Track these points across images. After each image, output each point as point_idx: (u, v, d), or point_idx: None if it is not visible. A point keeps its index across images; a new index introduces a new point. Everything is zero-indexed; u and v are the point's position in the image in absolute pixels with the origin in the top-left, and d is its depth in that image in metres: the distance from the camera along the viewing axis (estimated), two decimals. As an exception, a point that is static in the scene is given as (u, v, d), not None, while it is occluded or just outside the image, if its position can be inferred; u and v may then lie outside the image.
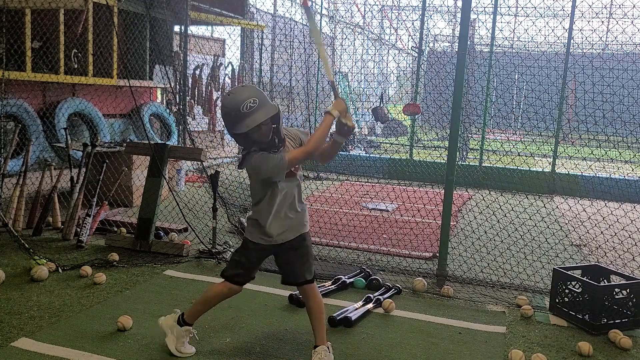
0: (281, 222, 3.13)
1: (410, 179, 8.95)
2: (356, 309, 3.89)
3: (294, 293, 4.03)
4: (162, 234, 5.56)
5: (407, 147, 11.39)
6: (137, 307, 3.84)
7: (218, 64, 9.40)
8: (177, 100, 8.13)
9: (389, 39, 20.84)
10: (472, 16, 10.37)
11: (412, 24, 18.85)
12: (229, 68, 10.21)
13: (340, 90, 16.02)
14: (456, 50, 6.29)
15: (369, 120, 16.04)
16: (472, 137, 12.27)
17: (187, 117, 8.66)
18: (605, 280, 4.19)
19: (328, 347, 3.17)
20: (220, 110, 3.05)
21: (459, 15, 13.94)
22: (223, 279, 3.23)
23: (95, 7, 7.21)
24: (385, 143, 14.34)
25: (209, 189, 5.58)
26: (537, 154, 11.19)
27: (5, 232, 5.19)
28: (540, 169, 9.60)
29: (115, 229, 5.68)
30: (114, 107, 8.00)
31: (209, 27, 12.62)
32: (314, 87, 12.49)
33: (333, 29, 16.47)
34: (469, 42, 8.01)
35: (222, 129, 11.68)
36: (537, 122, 8.16)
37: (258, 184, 3.09)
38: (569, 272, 4.08)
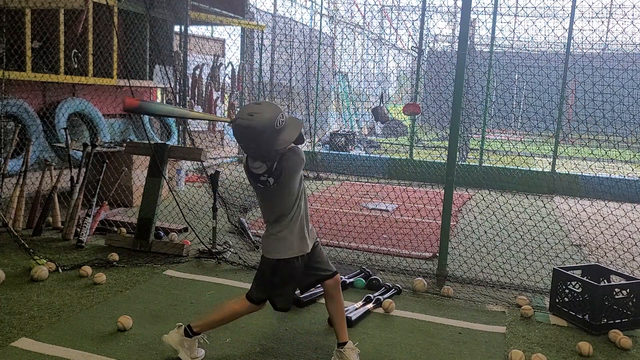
0: (309, 224, 3.20)
1: (410, 179, 8.94)
2: (356, 309, 3.89)
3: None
4: (162, 234, 5.56)
5: (407, 147, 11.39)
6: (137, 307, 3.84)
7: (218, 64, 9.40)
8: (177, 100, 8.14)
9: (389, 39, 20.84)
10: (472, 16, 10.38)
11: (412, 24, 18.85)
12: (229, 68, 10.21)
13: (340, 90, 15.98)
14: (456, 50, 6.29)
15: (369, 120, 16.05)
16: (472, 137, 12.27)
17: (187, 117, 8.65)
18: (605, 280, 4.19)
19: None
20: (244, 133, 2.89)
21: (459, 15, 13.95)
22: (253, 303, 3.17)
23: (95, 7, 7.20)
24: (385, 143, 14.34)
25: (209, 189, 5.58)
26: (537, 154, 11.19)
27: (5, 232, 5.19)
28: (540, 169, 9.60)
29: (115, 229, 5.68)
30: (114, 107, 8.00)
31: (209, 27, 12.62)
32: (314, 87, 12.49)
33: (333, 29, 16.48)
34: (469, 42, 8.01)
35: (222, 128, 11.68)
36: (537, 122, 8.16)
37: (296, 184, 3.10)
38: (569, 272, 4.08)
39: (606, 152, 7.44)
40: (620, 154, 7.61)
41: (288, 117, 2.96)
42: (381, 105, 12.36)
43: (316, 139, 12.24)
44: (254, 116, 2.86)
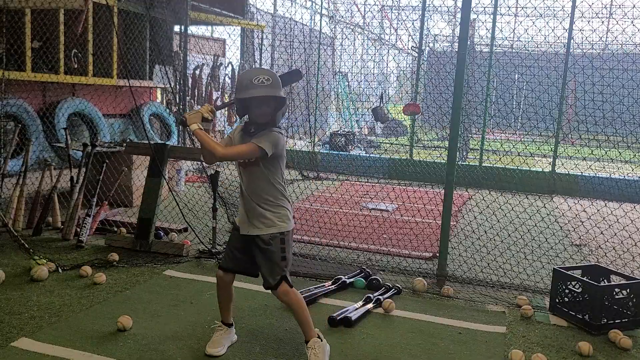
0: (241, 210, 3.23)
1: (410, 179, 8.94)
2: (356, 309, 3.89)
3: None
4: (162, 234, 5.56)
5: (407, 147, 11.38)
6: (137, 307, 3.84)
7: (218, 64, 9.40)
8: (177, 100, 8.14)
9: (389, 39, 20.83)
10: (472, 16, 10.38)
11: (412, 24, 18.85)
12: (229, 68, 10.21)
13: (340, 90, 15.93)
14: (456, 50, 6.29)
15: (369, 120, 16.03)
16: (472, 137, 12.27)
17: (187, 117, 8.62)
18: (605, 280, 4.19)
19: (318, 336, 3.18)
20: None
21: (459, 15, 13.94)
22: None
23: (95, 7, 7.20)
24: (385, 143, 14.34)
25: (209, 189, 5.58)
26: (537, 154, 11.19)
27: (5, 232, 5.18)
28: (540, 169, 9.60)
29: (115, 229, 5.68)
30: (114, 107, 8.00)
31: (209, 27, 12.61)
32: (314, 87, 12.48)
33: (333, 29, 16.46)
34: (469, 42, 8.01)
35: (223, 129, 11.67)
36: (537, 122, 8.17)
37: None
38: (569, 272, 4.08)
39: (606, 152, 7.43)
40: (620, 154, 7.61)
41: (273, 85, 3.05)
42: (381, 105, 12.36)
43: (316, 139, 12.24)
44: (250, 69, 3.18)
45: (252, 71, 3.19)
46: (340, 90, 16.69)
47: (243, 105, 3.11)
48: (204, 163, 3.70)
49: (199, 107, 3.22)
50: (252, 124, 3.15)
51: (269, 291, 3.17)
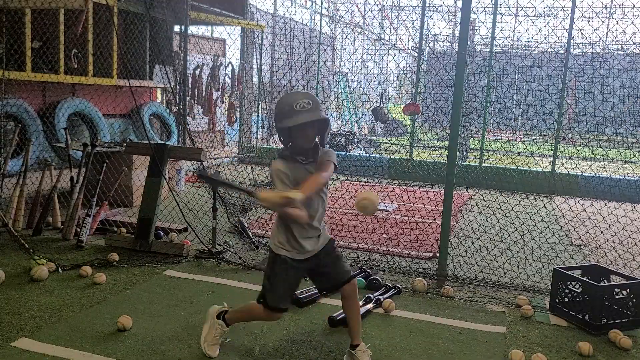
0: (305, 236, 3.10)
1: (410, 179, 8.94)
2: (356, 309, 3.88)
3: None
4: (162, 234, 5.56)
5: (407, 147, 11.39)
6: (137, 307, 3.84)
7: (218, 64, 9.40)
8: (177, 100, 8.14)
9: (389, 39, 20.84)
10: (472, 16, 10.38)
11: (412, 24, 18.86)
12: (229, 68, 10.22)
13: (340, 90, 15.91)
14: (456, 50, 6.29)
15: (369, 120, 16.05)
16: (472, 137, 12.27)
17: (187, 117, 8.67)
18: (605, 280, 4.19)
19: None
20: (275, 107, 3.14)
21: (459, 15, 13.94)
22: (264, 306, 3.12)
23: (95, 7, 7.21)
24: (385, 143, 14.35)
25: (209, 189, 5.58)
26: (537, 154, 11.20)
27: (5, 232, 5.19)
28: (540, 169, 9.61)
29: (115, 229, 5.68)
30: (114, 107, 8.00)
31: (209, 27, 12.62)
32: (314, 87, 12.48)
33: (333, 29, 16.48)
34: (469, 42, 8.01)
35: (223, 128, 11.69)
36: (537, 122, 8.17)
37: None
38: (569, 272, 4.08)
39: (606, 152, 7.44)
40: (620, 154, 7.62)
41: (314, 107, 2.95)
42: (381, 105, 12.36)
43: (316, 139, 12.22)
44: (287, 94, 3.09)
45: (291, 96, 3.03)
46: (340, 90, 16.70)
47: (287, 133, 3.00)
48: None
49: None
50: (300, 153, 3.01)
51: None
